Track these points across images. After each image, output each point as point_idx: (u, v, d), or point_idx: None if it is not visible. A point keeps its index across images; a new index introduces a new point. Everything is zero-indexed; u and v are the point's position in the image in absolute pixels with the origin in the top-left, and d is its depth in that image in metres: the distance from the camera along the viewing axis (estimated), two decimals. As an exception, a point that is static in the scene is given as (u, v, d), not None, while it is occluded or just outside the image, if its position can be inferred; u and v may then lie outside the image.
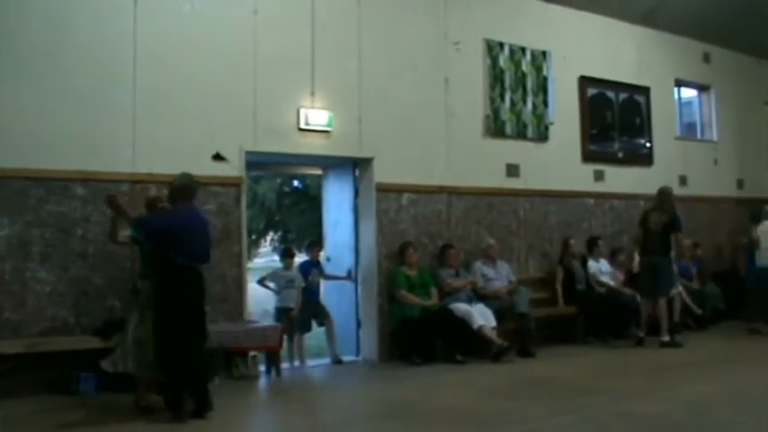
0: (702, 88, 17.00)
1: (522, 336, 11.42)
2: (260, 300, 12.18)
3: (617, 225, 14.37)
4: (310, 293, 11.33)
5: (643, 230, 12.49)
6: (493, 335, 10.94)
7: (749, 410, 7.74)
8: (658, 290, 12.13)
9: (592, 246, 13.40)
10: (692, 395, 8.52)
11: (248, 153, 10.29)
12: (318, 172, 12.57)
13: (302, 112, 10.71)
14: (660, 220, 12.24)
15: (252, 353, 9.96)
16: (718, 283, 14.82)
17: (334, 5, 11.17)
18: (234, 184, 10.18)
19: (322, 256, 12.04)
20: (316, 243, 12.07)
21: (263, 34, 10.45)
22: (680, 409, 7.84)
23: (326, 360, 11.38)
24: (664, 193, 12.54)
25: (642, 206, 13.34)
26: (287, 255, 11.62)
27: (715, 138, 16.93)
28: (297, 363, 11.08)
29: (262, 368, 10.18)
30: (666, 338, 11.96)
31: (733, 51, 17.19)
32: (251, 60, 10.35)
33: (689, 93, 17.04)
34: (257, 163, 11.15)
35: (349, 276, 11.74)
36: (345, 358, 11.35)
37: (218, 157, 10.00)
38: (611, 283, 12.96)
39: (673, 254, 12.77)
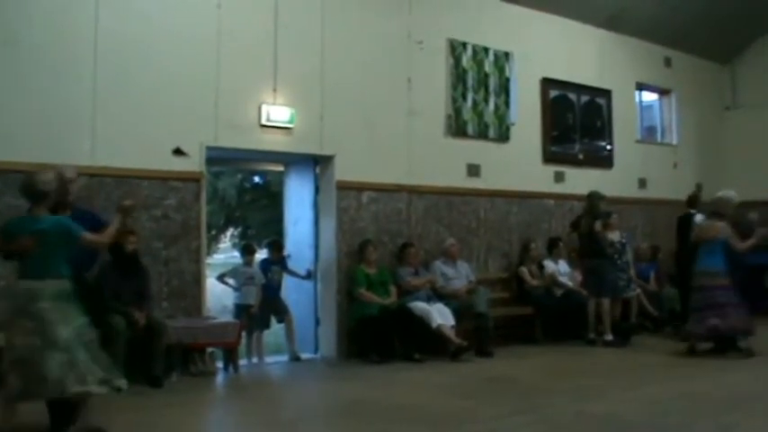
0: (663, 92, 17.17)
1: (480, 335, 11.43)
2: (219, 296, 12.14)
3: (577, 226, 14.43)
4: (270, 290, 11.30)
5: (578, 234, 12.74)
6: (451, 334, 10.96)
7: (704, 411, 7.79)
8: (601, 290, 12.32)
9: (552, 247, 13.47)
10: (649, 396, 8.58)
11: (209, 148, 10.22)
12: (280, 168, 12.52)
13: (264, 108, 10.66)
14: (588, 224, 12.43)
15: (210, 349, 9.90)
16: (676, 286, 14.94)
17: (297, 2, 11.13)
18: (194, 179, 10.10)
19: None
20: (277, 243, 12.02)
21: (226, 29, 10.38)
22: (636, 409, 7.88)
23: (285, 357, 11.36)
24: (591, 197, 12.71)
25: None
26: (247, 251, 11.58)
27: (675, 141, 17.10)
28: (255, 359, 11.06)
29: (219, 365, 10.12)
30: (609, 338, 12.13)
31: (694, 56, 17.37)
32: (213, 55, 10.28)
33: (650, 96, 17.18)
34: (218, 158, 11.09)
35: (308, 276, 11.71)
36: (304, 356, 11.33)
37: (178, 152, 9.92)
38: (570, 283, 13.03)
39: (629, 257, 12.97)
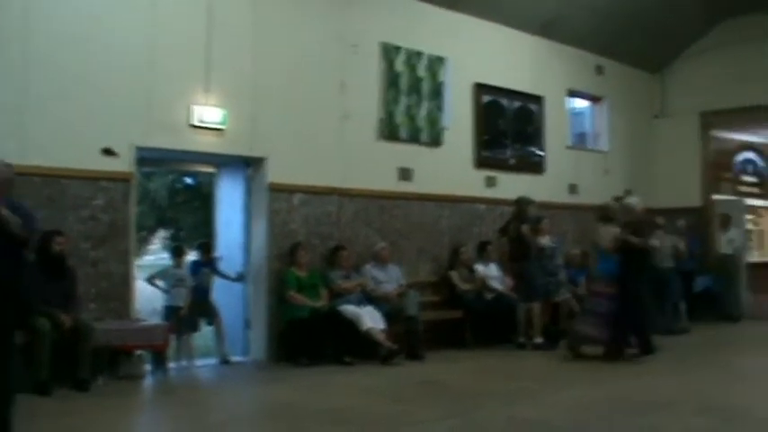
0: (594, 99, 17.39)
1: (410, 339, 11.46)
2: (149, 298, 11.99)
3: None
4: (200, 292, 11.22)
5: (507, 239, 12.93)
6: (382, 337, 10.98)
7: (631, 415, 7.90)
8: (531, 295, 12.49)
9: (482, 250, 13.55)
10: (576, 400, 8.68)
11: (139, 149, 10.10)
12: (211, 170, 12.44)
13: (195, 108, 10.57)
14: (517, 228, 12.64)
15: (138, 352, 9.78)
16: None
17: (231, 3, 11.05)
18: (123, 179, 9.97)
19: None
20: (208, 244, 11.94)
21: (159, 28, 10.27)
22: (564, 413, 7.97)
23: (214, 360, 11.27)
24: (520, 202, 12.87)
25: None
26: (177, 253, 11.47)
27: (605, 148, 17.32)
28: (184, 362, 10.97)
29: (148, 367, 10.01)
30: (539, 341, 12.28)
31: (625, 65, 17.64)
32: (145, 55, 10.16)
33: (581, 103, 17.41)
34: (149, 159, 10.97)
35: (239, 279, 11.64)
36: (233, 358, 11.25)
37: (107, 152, 9.78)
38: (500, 287, 13.11)
39: (559, 262, 13.15)
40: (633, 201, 11.83)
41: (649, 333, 11.60)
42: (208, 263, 11.57)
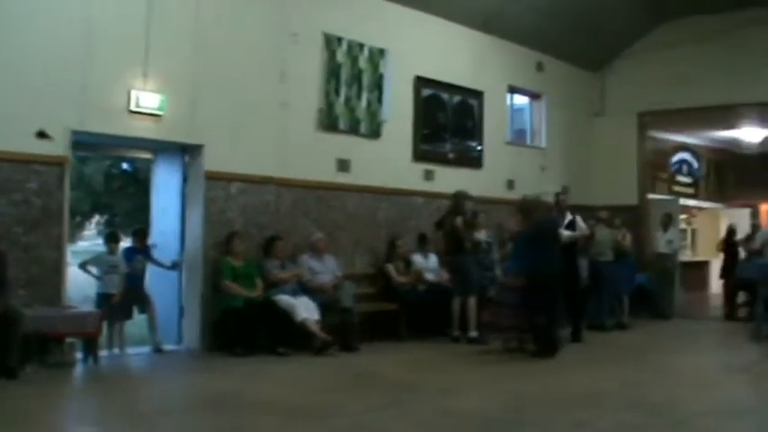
0: (534, 96, 17.50)
1: (345, 330, 11.46)
2: (82, 285, 11.81)
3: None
4: (133, 280, 11.07)
5: (443, 233, 13.01)
6: (316, 328, 10.96)
7: (563, 408, 7.98)
8: (467, 289, 12.55)
9: (422, 242, 13.62)
10: (509, 392, 8.76)
11: (74, 132, 9.92)
12: (148, 156, 12.30)
13: (133, 93, 10.41)
14: (452, 222, 12.72)
15: (69, 339, 9.63)
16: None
17: (172, -14, 10.93)
18: (57, 163, 9.80)
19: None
20: (143, 231, 11.80)
21: (97, 9, 10.08)
22: (497, 405, 8.06)
23: (147, 348, 11.15)
24: (457, 196, 12.97)
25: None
26: (111, 239, 11.32)
27: (543, 145, 17.46)
28: (116, 350, 10.84)
29: (79, 355, 9.86)
30: (474, 335, 12.33)
31: (564, 62, 17.78)
32: (82, 36, 9.95)
33: (521, 100, 17.48)
34: (84, 143, 10.80)
35: (174, 267, 11.52)
36: (167, 347, 11.15)
37: (41, 135, 9.60)
38: (435, 279, 13.16)
39: (495, 256, 13.23)
40: (544, 193, 12.07)
41: (577, 324, 12.57)
42: (142, 250, 11.43)
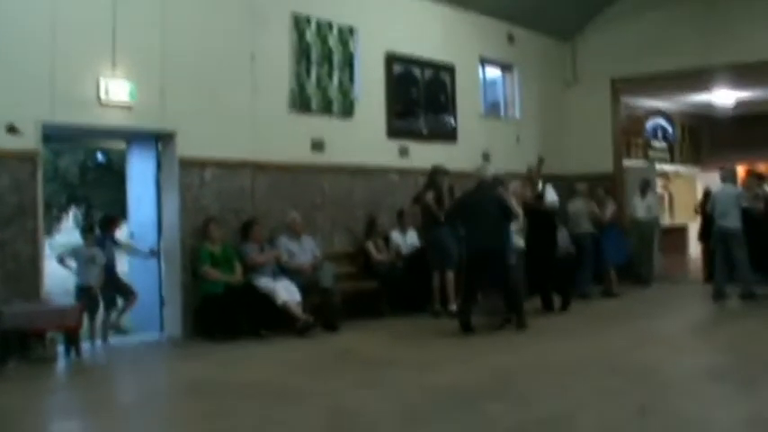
0: (506, 68, 17.48)
1: (326, 310, 11.49)
2: (62, 278, 11.76)
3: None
4: (108, 268, 11.04)
5: (420, 208, 13.10)
6: (297, 310, 10.98)
7: (544, 378, 8.06)
8: (444, 263, 12.61)
9: (400, 218, 13.65)
10: (491, 366, 8.82)
11: (45, 125, 9.85)
12: (122, 146, 12.24)
13: (102, 82, 10.33)
14: (429, 197, 12.72)
15: (49, 334, 9.60)
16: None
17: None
18: (29, 157, 9.73)
19: (121, 231, 11.74)
20: (112, 218, 11.75)
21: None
22: (477, 380, 8.11)
23: (131, 338, 11.15)
24: (433, 172, 12.98)
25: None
26: (87, 231, 11.29)
27: (517, 116, 17.47)
28: (99, 342, 10.82)
29: (61, 349, 9.81)
30: (454, 308, 12.30)
31: (535, 33, 17.74)
32: (48, 27, 9.84)
33: (493, 72, 17.45)
34: (56, 135, 10.74)
35: (151, 254, 11.50)
36: (149, 335, 11.23)
37: (11, 129, 9.51)
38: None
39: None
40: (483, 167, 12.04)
41: (564, 293, 12.71)
42: (109, 237, 11.38)
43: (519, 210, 11.46)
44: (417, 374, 8.43)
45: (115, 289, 11.13)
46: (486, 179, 11.59)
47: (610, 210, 15.40)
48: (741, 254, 13.46)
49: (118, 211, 14.36)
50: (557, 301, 12.76)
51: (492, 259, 11.01)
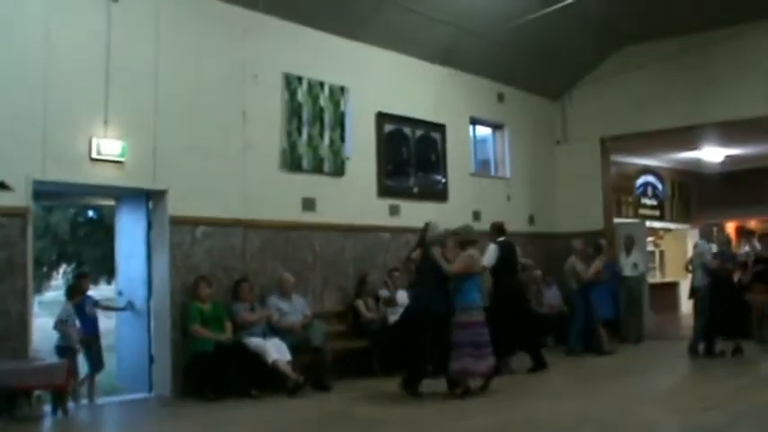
0: (496, 127, 17.59)
1: (317, 370, 11.42)
2: (51, 336, 11.65)
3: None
4: (91, 327, 10.99)
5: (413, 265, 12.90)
6: (288, 369, 10.90)
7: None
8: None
9: (390, 277, 13.65)
10: (486, 425, 8.79)
11: (36, 182, 9.84)
12: (111, 203, 12.22)
13: (94, 140, 10.35)
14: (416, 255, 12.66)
15: (36, 392, 9.50)
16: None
17: (130, 31, 10.85)
18: (19, 214, 9.70)
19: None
20: (85, 274, 11.68)
21: (54, 58, 10.03)
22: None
23: (118, 398, 11.05)
24: (425, 230, 12.90)
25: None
26: (67, 292, 11.23)
27: (508, 174, 17.52)
28: (85, 402, 10.72)
29: (48, 408, 9.69)
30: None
31: (525, 92, 17.90)
32: (40, 85, 9.89)
33: (483, 131, 17.54)
34: (47, 192, 10.73)
35: (130, 307, 11.43)
36: (138, 395, 11.12)
37: (2, 186, 9.51)
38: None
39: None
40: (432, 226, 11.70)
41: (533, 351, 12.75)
42: (87, 296, 11.35)
43: (449, 268, 11.08)
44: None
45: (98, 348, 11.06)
46: (429, 239, 11.35)
47: (594, 267, 15.21)
48: (700, 311, 13.81)
49: (108, 268, 14.32)
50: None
51: (435, 321, 10.72)
